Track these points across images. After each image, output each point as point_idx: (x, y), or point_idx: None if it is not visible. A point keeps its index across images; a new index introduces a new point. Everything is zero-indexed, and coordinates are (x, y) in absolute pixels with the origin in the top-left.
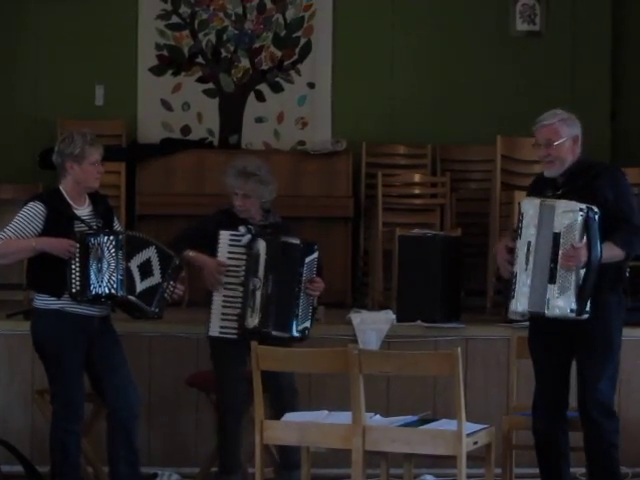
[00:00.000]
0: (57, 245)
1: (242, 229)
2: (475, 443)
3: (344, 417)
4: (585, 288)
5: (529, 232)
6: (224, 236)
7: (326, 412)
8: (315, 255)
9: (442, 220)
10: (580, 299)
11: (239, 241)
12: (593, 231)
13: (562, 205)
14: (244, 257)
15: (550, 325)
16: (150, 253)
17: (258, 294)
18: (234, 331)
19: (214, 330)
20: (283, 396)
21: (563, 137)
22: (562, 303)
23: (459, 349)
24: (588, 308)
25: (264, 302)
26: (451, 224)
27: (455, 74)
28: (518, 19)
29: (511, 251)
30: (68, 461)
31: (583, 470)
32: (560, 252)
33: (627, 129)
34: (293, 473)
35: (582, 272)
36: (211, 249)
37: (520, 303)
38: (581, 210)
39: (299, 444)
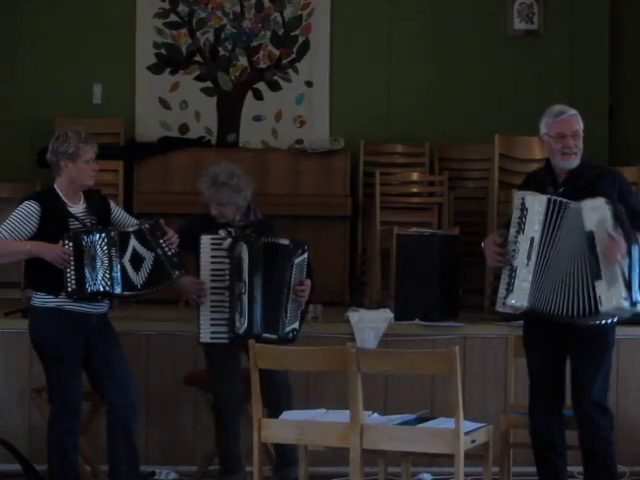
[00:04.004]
0: (51, 252)
1: (222, 232)
2: (473, 441)
3: (342, 415)
4: (632, 275)
5: (532, 228)
6: (205, 241)
7: (324, 410)
8: (305, 256)
9: (440, 219)
10: (629, 287)
11: (220, 244)
12: (624, 221)
13: (589, 203)
14: (227, 260)
15: (545, 323)
16: (132, 243)
17: (244, 298)
18: (225, 335)
19: (205, 337)
20: (278, 394)
21: (582, 128)
22: (613, 295)
23: (457, 348)
24: (639, 298)
25: (251, 305)
26: (449, 223)
27: (453, 73)
28: (516, 18)
29: (500, 245)
30: (66, 459)
31: (580, 469)
32: (598, 248)
33: (625, 127)
34: (291, 469)
35: (625, 262)
36: (195, 253)
37: (519, 298)
38: (607, 203)
39: (297, 442)
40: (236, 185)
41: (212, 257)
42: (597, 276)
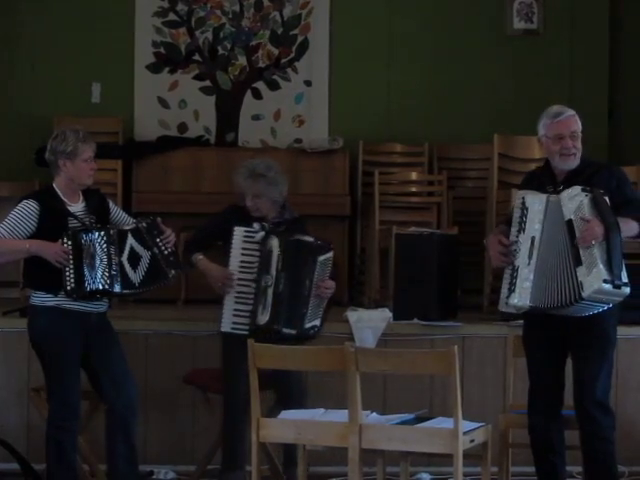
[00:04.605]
0: (50, 251)
1: (256, 225)
2: (472, 441)
3: (341, 415)
4: (611, 257)
5: (533, 227)
6: (238, 232)
7: (322, 410)
8: (330, 255)
9: (439, 218)
10: (610, 269)
11: (253, 237)
12: (602, 206)
13: (566, 194)
14: (257, 254)
15: (545, 323)
16: (130, 241)
17: (270, 291)
18: (246, 327)
19: (226, 326)
20: (291, 394)
21: (580, 129)
22: (593, 278)
23: (456, 347)
24: (625, 280)
25: (275, 299)
26: (448, 222)
27: (452, 72)
28: (515, 17)
29: (505, 246)
30: (64, 459)
31: (579, 468)
32: (577, 235)
33: (624, 127)
34: (297, 470)
35: (603, 244)
36: (225, 245)
37: (521, 297)
38: (584, 191)
39: (296, 442)
40: (273, 178)
41: (243, 249)
42: (578, 262)
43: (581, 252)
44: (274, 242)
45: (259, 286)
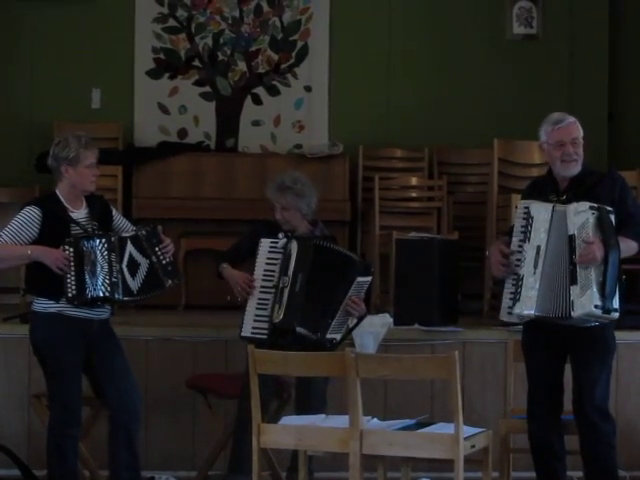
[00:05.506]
0: (51, 257)
1: (281, 235)
2: (472, 446)
3: (341, 421)
4: (606, 283)
5: (539, 236)
6: (264, 243)
7: (323, 416)
8: (368, 279)
9: (439, 223)
10: (603, 293)
11: (276, 247)
12: (606, 227)
13: (573, 207)
14: (280, 261)
15: (544, 328)
16: (129, 248)
17: (286, 291)
18: (265, 331)
19: (247, 330)
20: (309, 400)
21: (582, 135)
22: (585, 301)
23: (456, 353)
24: (616, 305)
25: (290, 298)
26: (448, 227)
27: (452, 77)
28: (515, 22)
29: (506, 256)
30: (65, 465)
31: (580, 474)
32: (577, 252)
33: (624, 131)
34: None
35: (600, 268)
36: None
37: (526, 306)
38: (592, 209)
39: (296, 448)
40: (300, 190)
41: (268, 258)
42: (573, 280)
43: (578, 271)
44: (293, 245)
45: (277, 288)
